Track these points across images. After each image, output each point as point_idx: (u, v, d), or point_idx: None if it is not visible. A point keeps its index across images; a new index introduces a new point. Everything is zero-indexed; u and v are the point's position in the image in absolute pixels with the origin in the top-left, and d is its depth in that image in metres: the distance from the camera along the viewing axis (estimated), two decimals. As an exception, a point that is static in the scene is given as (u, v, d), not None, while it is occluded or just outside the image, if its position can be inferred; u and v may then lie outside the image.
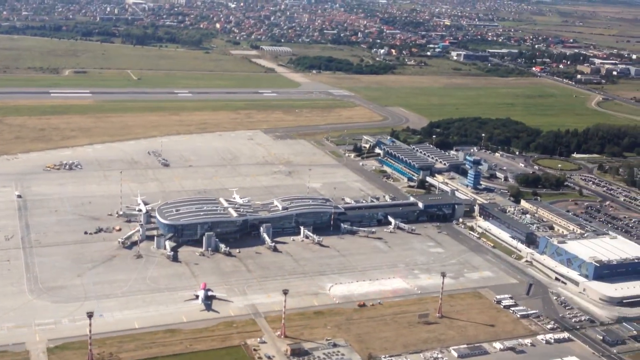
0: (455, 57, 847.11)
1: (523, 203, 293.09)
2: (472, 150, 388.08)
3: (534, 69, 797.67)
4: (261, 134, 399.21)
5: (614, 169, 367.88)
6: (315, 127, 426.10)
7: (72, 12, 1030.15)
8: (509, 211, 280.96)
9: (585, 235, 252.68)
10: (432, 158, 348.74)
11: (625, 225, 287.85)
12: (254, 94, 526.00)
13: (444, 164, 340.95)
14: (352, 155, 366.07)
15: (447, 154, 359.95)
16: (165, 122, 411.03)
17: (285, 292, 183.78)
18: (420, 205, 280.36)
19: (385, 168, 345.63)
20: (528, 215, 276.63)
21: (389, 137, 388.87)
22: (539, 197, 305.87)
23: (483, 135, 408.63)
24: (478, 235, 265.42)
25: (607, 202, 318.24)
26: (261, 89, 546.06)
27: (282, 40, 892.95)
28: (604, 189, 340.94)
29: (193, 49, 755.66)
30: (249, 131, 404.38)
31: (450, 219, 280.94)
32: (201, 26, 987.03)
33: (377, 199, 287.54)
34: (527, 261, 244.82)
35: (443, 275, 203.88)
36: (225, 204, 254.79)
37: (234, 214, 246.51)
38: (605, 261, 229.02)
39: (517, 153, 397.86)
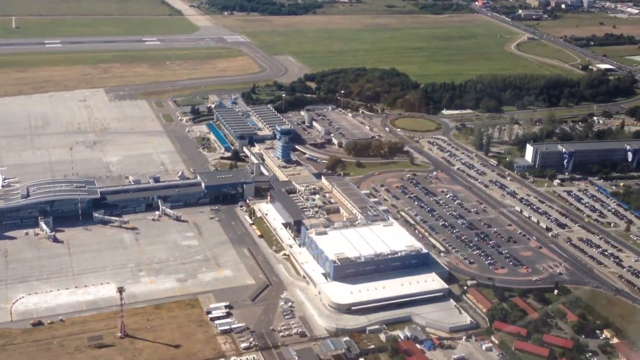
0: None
1: (323, 179, 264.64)
2: (325, 109, 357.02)
3: (476, 3, 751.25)
4: (101, 94, 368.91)
5: (467, 129, 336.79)
6: (173, 84, 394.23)
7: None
8: (299, 191, 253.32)
9: (357, 222, 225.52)
10: (263, 123, 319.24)
11: (435, 202, 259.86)
12: (135, 42, 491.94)
13: (271, 131, 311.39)
14: (186, 119, 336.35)
15: (280, 117, 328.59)
16: (2, 81, 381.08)
17: None
18: (203, 185, 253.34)
19: (211, 135, 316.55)
20: (317, 196, 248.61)
21: (233, 97, 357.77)
22: (341, 173, 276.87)
23: (342, 92, 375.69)
24: (252, 222, 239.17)
25: (435, 172, 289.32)
26: (148, 36, 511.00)
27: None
28: (447, 154, 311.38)
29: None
30: (90, 90, 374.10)
31: (239, 200, 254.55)
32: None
33: (157, 178, 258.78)
34: (285, 255, 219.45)
35: (120, 290, 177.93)
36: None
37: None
38: (352, 258, 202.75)
39: (379, 111, 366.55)
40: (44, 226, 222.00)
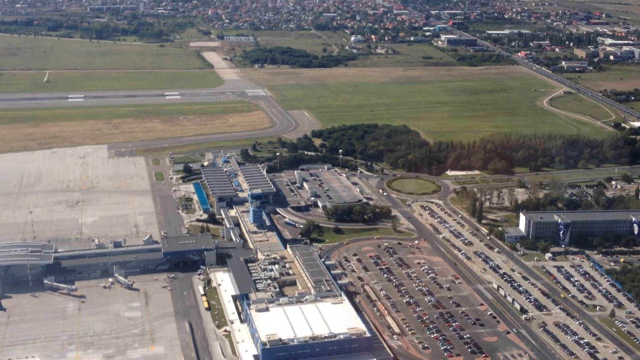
0: (440, 43, 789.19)
1: (288, 248, 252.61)
2: (320, 169, 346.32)
3: (519, 54, 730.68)
4: (103, 151, 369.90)
5: (465, 193, 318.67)
6: (178, 140, 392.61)
7: (73, 1, 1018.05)
8: (259, 260, 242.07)
9: (305, 298, 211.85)
10: (247, 184, 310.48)
11: (406, 275, 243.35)
12: (156, 96, 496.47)
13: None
14: (176, 177, 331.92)
15: (266, 179, 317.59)
16: (12, 137, 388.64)
17: None
18: (162, 251, 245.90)
19: (195, 195, 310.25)
20: (276, 267, 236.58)
21: (226, 155, 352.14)
22: (307, 241, 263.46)
23: (341, 150, 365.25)
24: (203, 293, 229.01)
25: (417, 241, 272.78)
26: (171, 90, 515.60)
27: (262, 28, 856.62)
28: (437, 220, 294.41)
29: (152, 42, 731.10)
30: (94, 146, 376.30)
31: (199, 267, 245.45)
32: (193, 13, 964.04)
33: (119, 243, 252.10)
34: (225, 332, 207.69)
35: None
36: None
37: None
38: (284, 340, 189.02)
39: (379, 171, 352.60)
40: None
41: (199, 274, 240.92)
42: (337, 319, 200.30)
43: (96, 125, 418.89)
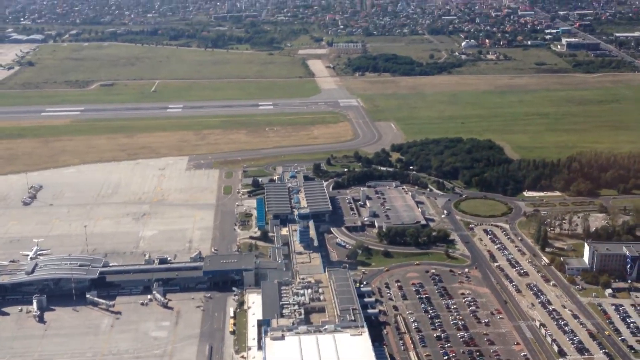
0: (559, 47, 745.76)
1: (327, 271, 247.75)
2: (387, 186, 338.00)
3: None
4: (183, 162, 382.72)
5: (534, 217, 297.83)
6: (257, 152, 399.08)
7: (201, 10, 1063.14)
8: (293, 283, 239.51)
9: (324, 328, 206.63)
10: (306, 201, 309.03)
11: (445, 307, 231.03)
12: (249, 107, 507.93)
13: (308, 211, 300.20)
14: (242, 191, 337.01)
15: (326, 196, 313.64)
16: (106, 147, 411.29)
17: None
18: (202, 269, 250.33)
19: (255, 211, 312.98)
20: (308, 291, 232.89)
21: (294, 170, 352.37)
22: (346, 265, 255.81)
23: (411, 167, 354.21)
24: (232, 315, 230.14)
25: (467, 269, 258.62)
26: (266, 100, 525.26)
27: (375, 33, 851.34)
28: (498, 246, 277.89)
29: (263, 49, 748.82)
30: (175, 158, 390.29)
31: (239, 287, 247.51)
32: (311, 20, 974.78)
33: (164, 259, 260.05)
34: (242, 358, 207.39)
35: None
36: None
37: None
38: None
39: (451, 190, 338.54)
40: (34, 304, 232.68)
41: (235, 295, 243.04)
42: (350, 352, 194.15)
43: (185, 136, 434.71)
